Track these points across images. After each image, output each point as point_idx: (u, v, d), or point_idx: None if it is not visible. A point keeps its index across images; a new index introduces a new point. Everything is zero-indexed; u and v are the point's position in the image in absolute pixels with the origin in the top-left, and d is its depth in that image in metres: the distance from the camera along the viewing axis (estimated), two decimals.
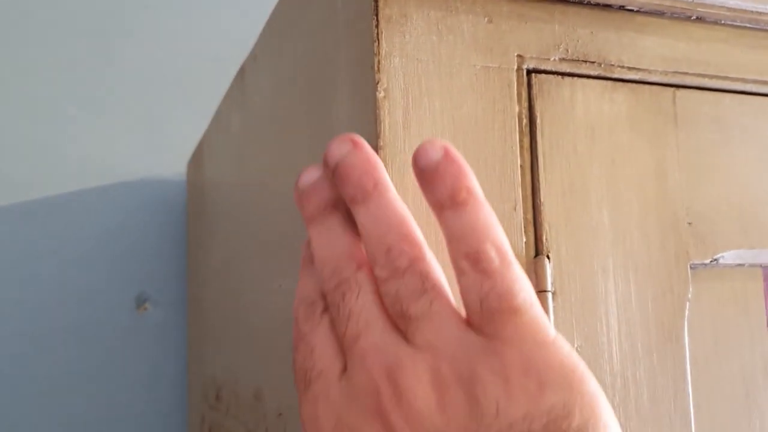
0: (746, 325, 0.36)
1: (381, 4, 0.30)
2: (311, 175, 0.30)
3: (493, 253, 0.26)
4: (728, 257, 0.35)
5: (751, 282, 0.36)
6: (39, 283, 0.82)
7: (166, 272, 0.88)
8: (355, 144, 0.28)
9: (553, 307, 0.31)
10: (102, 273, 0.85)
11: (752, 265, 0.36)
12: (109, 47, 0.87)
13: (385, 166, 0.29)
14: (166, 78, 0.88)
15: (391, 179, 0.29)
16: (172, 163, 0.89)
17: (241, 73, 0.54)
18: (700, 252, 0.34)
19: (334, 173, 0.28)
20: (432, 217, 0.28)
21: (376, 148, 0.29)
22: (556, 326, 0.31)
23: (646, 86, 0.34)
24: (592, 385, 0.25)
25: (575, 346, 0.31)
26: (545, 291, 0.31)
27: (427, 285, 0.26)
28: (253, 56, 0.50)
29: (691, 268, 0.34)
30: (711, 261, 0.35)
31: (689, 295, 0.34)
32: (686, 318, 0.34)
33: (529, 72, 0.32)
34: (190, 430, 0.80)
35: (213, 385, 0.67)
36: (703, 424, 0.34)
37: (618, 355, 0.32)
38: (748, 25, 0.36)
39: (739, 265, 0.36)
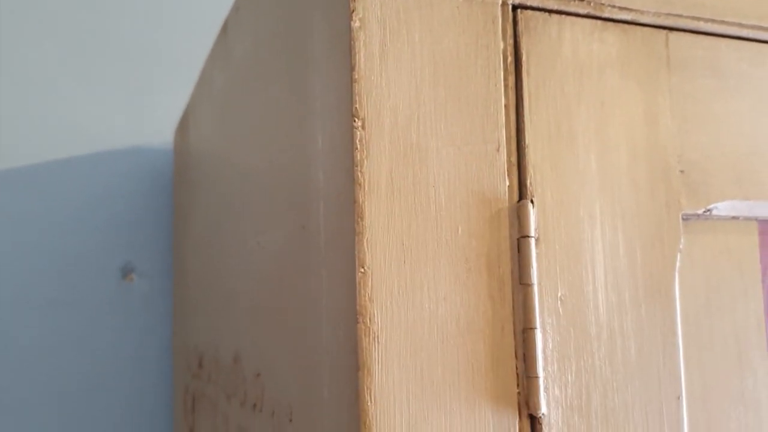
0: (740, 280, 0.35)
1: None
2: None
3: None
4: (722, 208, 0.34)
5: (745, 236, 0.35)
6: (23, 253, 0.80)
7: (153, 242, 0.87)
8: None
9: (537, 253, 0.30)
10: (87, 243, 0.83)
11: (747, 218, 0.35)
12: (95, 14, 0.85)
13: (359, 100, 0.28)
14: (155, 45, 0.87)
15: (366, 115, 0.28)
16: (159, 131, 0.87)
17: (224, 27, 0.53)
18: (692, 202, 0.33)
19: None
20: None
21: (350, 81, 0.28)
22: (540, 274, 0.30)
23: (638, 27, 0.33)
24: None
25: (559, 294, 0.30)
26: (528, 236, 0.29)
27: None
28: (236, 8, 0.49)
29: (683, 219, 0.33)
30: (704, 212, 0.33)
31: (680, 246, 0.32)
32: (677, 270, 0.32)
33: (514, 7, 0.31)
34: (175, 401, 0.79)
35: (195, 354, 0.66)
36: (693, 380, 0.33)
37: (604, 306, 0.31)
38: None
39: (734, 217, 0.35)
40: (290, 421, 0.36)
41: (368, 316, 0.27)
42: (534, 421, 0.29)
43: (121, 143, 0.86)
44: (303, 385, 0.34)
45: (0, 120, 0.81)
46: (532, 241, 0.29)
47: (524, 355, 0.29)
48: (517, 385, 0.29)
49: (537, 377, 0.29)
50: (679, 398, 0.31)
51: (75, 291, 0.82)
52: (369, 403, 0.27)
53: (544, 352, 0.29)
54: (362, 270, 0.27)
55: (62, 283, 0.81)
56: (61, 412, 0.79)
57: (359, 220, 0.27)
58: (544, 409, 0.29)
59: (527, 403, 0.29)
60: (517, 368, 0.29)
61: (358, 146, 0.28)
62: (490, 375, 0.28)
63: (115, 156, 0.87)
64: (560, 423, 0.29)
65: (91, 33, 0.84)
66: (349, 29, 0.28)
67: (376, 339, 0.27)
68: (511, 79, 0.30)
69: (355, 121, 0.28)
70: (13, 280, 0.79)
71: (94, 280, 0.84)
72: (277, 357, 0.39)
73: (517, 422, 0.29)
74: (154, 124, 0.87)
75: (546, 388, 0.29)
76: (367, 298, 0.27)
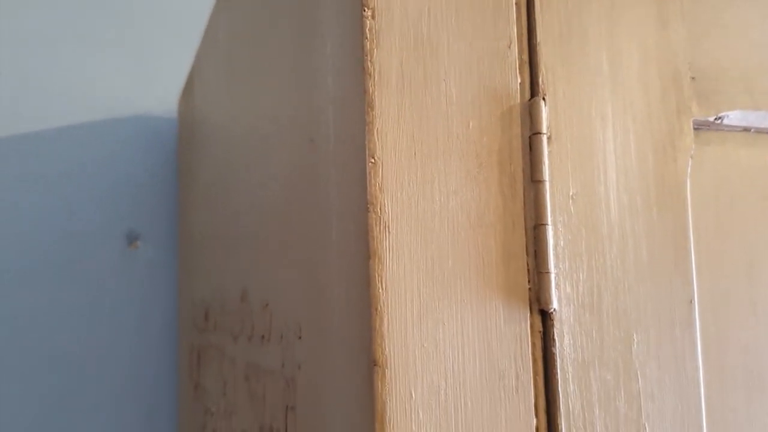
0: (752, 196, 0.35)
1: None
2: None
3: None
4: (733, 118, 0.33)
5: (758, 150, 0.35)
6: (28, 221, 0.80)
7: (157, 210, 0.87)
8: None
9: (549, 151, 0.29)
10: (92, 211, 0.83)
11: (759, 131, 0.35)
12: None
13: (365, 8, 0.27)
14: (160, 9, 0.86)
15: (376, 5, 0.28)
16: (164, 97, 0.87)
17: None
18: (703, 109, 0.33)
19: None
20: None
21: None
22: (552, 172, 0.29)
23: None
24: None
25: (570, 193, 0.30)
26: (540, 133, 0.29)
27: None
28: None
29: (694, 127, 0.33)
30: (715, 119, 0.33)
31: (692, 153, 0.32)
32: (688, 176, 0.32)
33: None
34: (180, 364, 0.79)
35: (201, 308, 0.66)
36: (704, 289, 0.33)
37: (616, 206, 0.30)
38: None
39: (745, 129, 0.34)
40: (299, 338, 0.36)
41: (379, 206, 0.27)
42: (545, 317, 0.29)
43: (125, 110, 0.86)
44: (312, 293, 0.34)
45: (3, 87, 0.81)
46: (544, 138, 0.29)
47: (535, 251, 0.29)
48: (528, 281, 0.29)
49: (548, 272, 0.29)
50: (691, 302, 0.31)
51: (80, 259, 0.82)
52: (380, 290, 0.27)
53: (555, 248, 0.29)
54: (372, 160, 0.27)
55: (67, 252, 0.81)
56: (66, 380, 0.79)
57: (369, 110, 0.27)
58: (555, 304, 0.29)
59: (538, 299, 0.29)
60: (528, 264, 0.29)
61: (368, 35, 0.27)
62: (501, 269, 0.28)
63: (119, 123, 0.87)
64: (572, 320, 0.29)
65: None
66: None
67: (386, 228, 0.27)
68: None
69: (365, 10, 0.28)
70: (18, 249, 0.79)
71: (99, 248, 0.83)
72: (285, 279, 0.39)
73: (528, 316, 0.28)
74: (159, 90, 0.87)
75: (557, 285, 0.29)
76: (377, 188, 0.27)
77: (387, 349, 0.26)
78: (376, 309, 0.26)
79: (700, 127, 0.33)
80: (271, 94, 0.41)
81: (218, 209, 0.59)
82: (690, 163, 0.32)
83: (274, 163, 0.41)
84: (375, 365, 0.26)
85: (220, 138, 0.58)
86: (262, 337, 0.43)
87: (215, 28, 0.60)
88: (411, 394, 0.26)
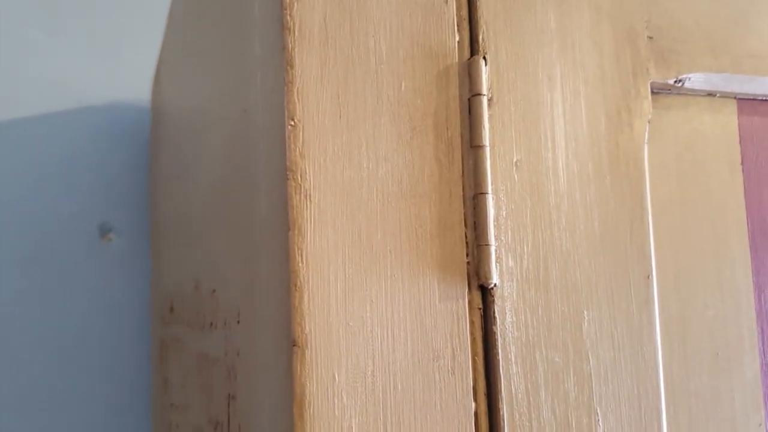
0: (717, 165, 0.32)
1: None
2: None
3: None
4: (695, 81, 0.31)
5: (723, 115, 0.32)
6: None
7: (131, 201, 0.85)
8: None
9: (490, 114, 0.27)
10: (63, 203, 0.81)
11: (724, 95, 0.32)
12: None
13: None
14: None
15: None
16: (136, 87, 0.85)
17: None
18: (661, 70, 0.30)
19: None
20: None
21: None
22: (493, 137, 0.27)
23: None
24: None
25: (514, 160, 0.27)
26: (480, 95, 0.27)
27: None
28: None
29: (653, 91, 0.30)
30: (675, 82, 0.31)
31: (649, 117, 0.30)
32: (646, 143, 0.30)
33: None
34: (152, 357, 0.77)
35: (167, 300, 0.64)
36: (665, 264, 0.30)
37: (564, 174, 0.28)
38: None
39: (710, 93, 0.32)
40: (238, 323, 0.34)
41: (299, 173, 0.25)
42: (485, 293, 0.27)
43: (97, 99, 0.84)
44: (247, 274, 0.31)
45: None
46: (485, 100, 0.27)
47: (474, 222, 0.27)
48: (467, 254, 0.26)
49: (488, 245, 0.26)
50: (648, 277, 0.29)
51: (51, 251, 0.80)
52: (300, 264, 0.24)
53: (496, 219, 0.27)
54: (292, 123, 0.25)
55: (38, 244, 0.79)
56: (36, 374, 0.77)
57: (289, 68, 0.25)
58: (496, 279, 0.26)
59: (477, 273, 0.26)
60: (466, 236, 0.27)
61: None
62: (437, 242, 0.26)
63: (91, 113, 0.85)
64: (514, 296, 0.27)
65: None
66: None
67: (308, 197, 0.25)
68: None
69: None
70: None
71: (71, 241, 0.81)
72: (228, 262, 0.36)
73: (466, 292, 0.26)
74: (133, 79, 0.85)
75: (498, 258, 0.27)
76: (297, 154, 0.25)
77: (307, 328, 0.24)
78: (296, 285, 0.24)
79: (659, 90, 0.31)
80: (213, 71, 0.39)
81: (179, 199, 0.57)
82: (647, 128, 0.30)
83: (215, 143, 0.38)
84: (294, 345, 0.24)
85: (180, 125, 0.56)
86: (210, 324, 0.41)
87: (176, 11, 0.58)
88: (334, 377, 0.24)
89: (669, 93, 0.31)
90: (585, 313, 0.27)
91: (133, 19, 0.86)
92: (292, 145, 0.25)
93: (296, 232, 0.24)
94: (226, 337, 0.36)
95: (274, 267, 0.26)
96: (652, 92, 0.30)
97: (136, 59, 0.85)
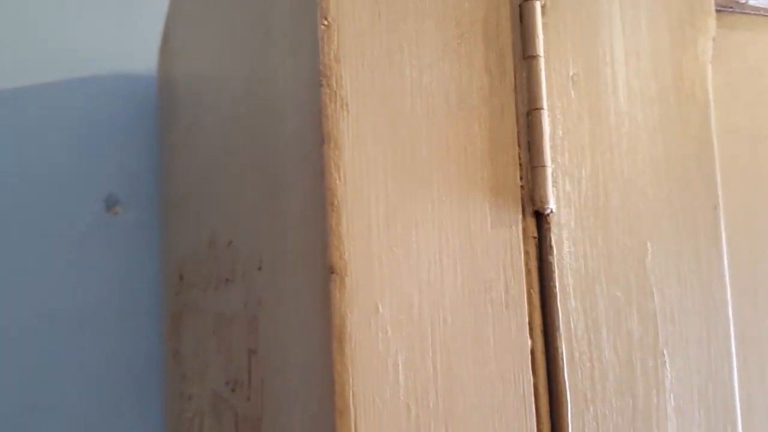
0: None
1: None
2: None
3: None
4: None
5: None
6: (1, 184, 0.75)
7: (138, 173, 0.82)
8: None
9: (544, 22, 0.24)
10: (68, 174, 0.78)
11: None
12: None
13: None
14: None
15: None
16: (144, 54, 0.82)
17: None
18: None
19: None
20: None
21: None
22: (547, 47, 0.24)
23: None
24: None
25: (571, 73, 0.25)
26: (533, 0, 0.24)
27: None
28: None
29: (716, 9, 0.28)
30: None
31: (713, 34, 0.27)
32: (709, 61, 0.27)
33: None
34: (164, 332, 0.74)
35: (177, 269, 0.61)
36: (733, 197, 0.27)
37: (625, 93, 0.25)
38: None
39: None
40: (259, 269, 0.31)
41: (334, 79, 0.22)
42: (541, 220, 0.24)
43: (104, 67, 0.82)
44: (270, 216, 0.29)
45: None
46: (538, 6, 0.24)
47: (528, 142, 0.24)
48: (520, 177, 0.24)
49: (544, 166, 0.24)
50: (716, 208, 0.26)
51: (56, 226, 0.77)
52: (337, 181, 0.22)
53: (552, 139, 0.24)
54: (325, 22, 0.22)
55: (42, 218, 0.77)
56: (44, 353, 0.74)
57: None
58: (552, 205, 0.24)
59: (532, 198, 0.24)
60: (520, 157, 0.24)
61: None
62: (488, 162, 0.23)
63: (97, 81, 0.82)
64: (572, 223, 0.24)
65: None
66: None
67: (344, 107, 0.22)
68: None
69: None
70: None
71: (76, 214, 0.79)
72: (248, 205, 0.34)
73: (520, 219, 0.23)
74: (140, 46, 0.82)
75: (555, 182, 0.24)
76: (332, 57, 0.22)
77: (346, 254, 0.21)
78: (333, 204, 0.22)
79: (722, 9, 0.28)
80: (231, 12, 0.36)
81: (191, 161, 0.54)
82: (711, 47, 0.27)
83: (235, 86, 0.36)
84: (332, 273, 0.21)
85: (192, 87, 0.54)
86: (227, 280, 0.39)
87: None
88: (377, 308, 0.22)
89: (732, 11, 0.28)
90: (648, 245, 0.25)
91: None
92: (326, 48, 0.22)
93: (332, 145, 0.22)
94: (245, 289, 0.34)
95: (307, 190, 0.23)
96: (716, 10, 0.27)
97: (142, 27, 0.83)
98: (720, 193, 0.26)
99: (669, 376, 0.24)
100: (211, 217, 0.44)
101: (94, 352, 0.76)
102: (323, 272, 0.22)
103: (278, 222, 0.27)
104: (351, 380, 0.21)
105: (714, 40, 0.27)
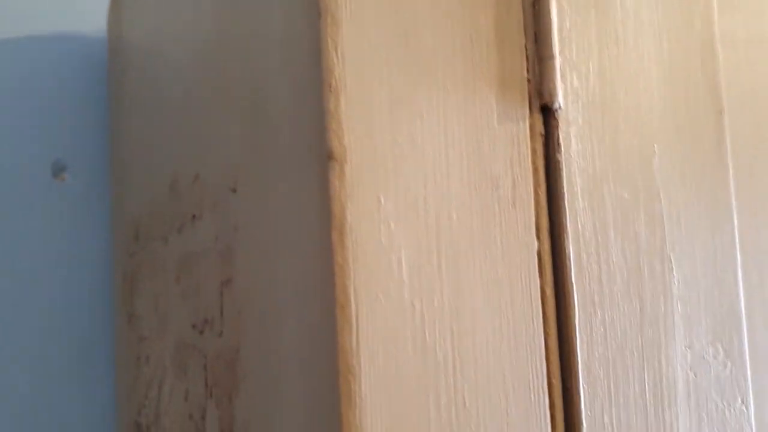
0: None
1: None
2: None
3: None
4: None
5: None
6: None
7: (87, 138, 0.78)
8: None
9: None
10: (12, 139, 0.74)
11: None
12: None
13: None
14: None
15: None
16: (92, 13, 0.78)
17: None
18: None
19: None
20: None
21: None
22: None
23: None
24: None
25: None
26: None
27: None
28: None
29: None
30: None
31: None
32: None
33: None
34: (114, 300, 0.71)
35: (132, 228, 0.58)
36: (734, 103, 0.27)
37: None
38: None
39: None
40: (234, 191, 0.29)
41: None
42: (548, 116, 0.22)
43: (49, 27, 0.77)
44: (250, 125, 0.27)
45: None
46: None
47: (535, 33, 0.22)
48: (527, 70, 0.22)
49: (552, 58, 0.22)
50: (721, 113, 0.25)
51: (1, 191, 0.73)
52: (335, 60, 0.20)
53: (560, 31, 0.23)
54: None
55: None
56: None
57: None
58: (560, 99, 0.22)
59: (539, 92, 0.22)
60: (526, 48, 0.22)
61: None
62: (494, 53, 0.22)
63: (42, 42, 0.78)
64: (580, 120, 0.23)
65: None
66: None
67: None
68: None
69: None
70: None
71: (21, 181, 0.74)
72: (217, 133, 0.32)
73: (527, 114, 0.22)
74: (85, 7, 0.78)
75: (563, 75, 0.23)
76: None
77: (346, 139, 0.20)
78: (330, 85, 0.20)
79: None
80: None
81: (147, 117, 0.52)
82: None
83: (204, 26, 0.33)
84: (331, 159, 0.20)
85: (150, 44, 0.51)
86: (193, 216, 0.36)
87: None
88: (380, 201, 0.20)
89: None
90: (655, 146, 0.24)
91: None
92: None
93: (329, 20, 0.20)
94: (217, 221, 0.32)
95: (303, 73, 0.22)
96: None
97: None
98: (725, 99, 0.25)
99: (676, 280, 0.23)
100: (174, 157, 0.41)
101: (40, 322, 0.72)
102: (321, 160, 0.20)
103: (263, 126, 0.25)
104: (352, 274, 0.19)
105: None
